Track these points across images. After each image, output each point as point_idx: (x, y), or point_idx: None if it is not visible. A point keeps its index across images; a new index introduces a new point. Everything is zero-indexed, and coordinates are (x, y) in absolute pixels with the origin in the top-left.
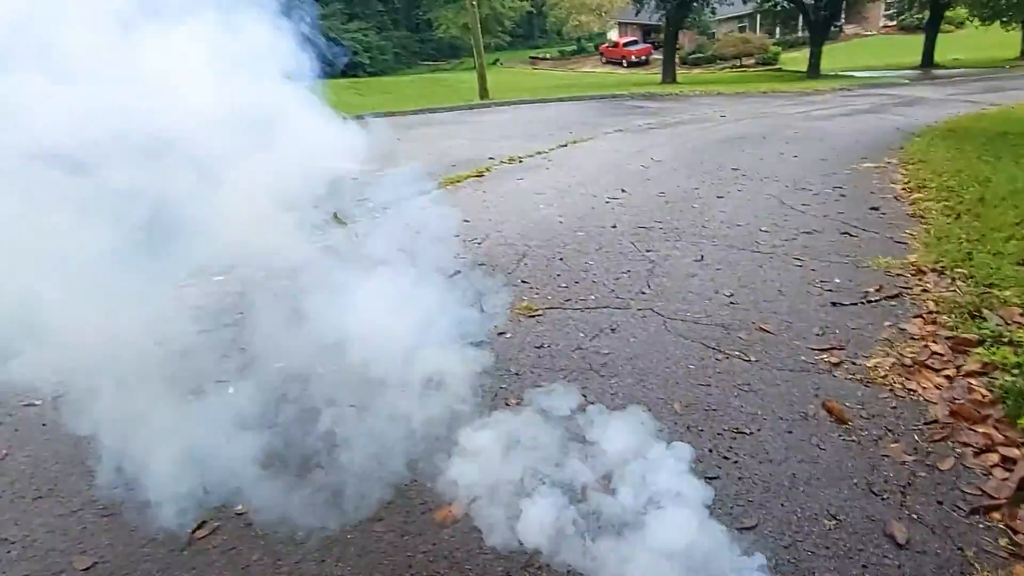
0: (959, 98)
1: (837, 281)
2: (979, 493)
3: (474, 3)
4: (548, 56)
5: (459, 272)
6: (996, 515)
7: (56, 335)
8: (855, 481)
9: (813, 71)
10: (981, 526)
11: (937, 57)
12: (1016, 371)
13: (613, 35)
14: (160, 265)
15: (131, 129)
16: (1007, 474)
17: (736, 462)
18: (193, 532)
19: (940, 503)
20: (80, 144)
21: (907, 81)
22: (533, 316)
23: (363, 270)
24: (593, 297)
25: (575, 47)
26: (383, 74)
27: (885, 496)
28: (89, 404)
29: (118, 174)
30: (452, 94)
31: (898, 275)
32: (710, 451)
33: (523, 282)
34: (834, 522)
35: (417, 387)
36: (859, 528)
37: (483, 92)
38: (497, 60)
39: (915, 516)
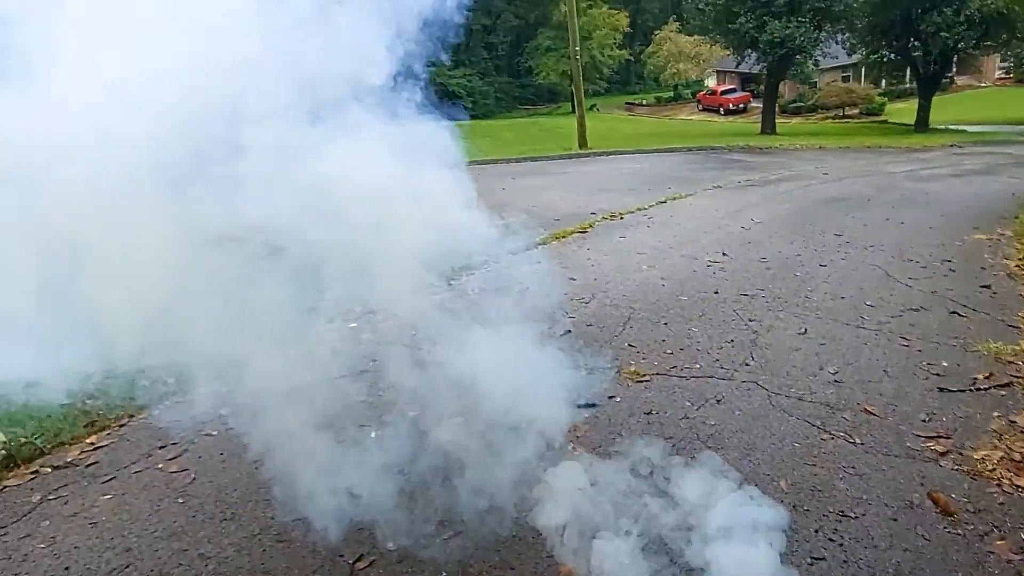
0: None
1: (945, 365)
2: None
3: (578, 57)
4: (644, 102)
5: (569, 331)
6: None
7: (226, 371)
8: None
9: (921, 125)
10: None
11: None
12: None
13: (711, 82)
14: (312, 309)
15: (311, 201)
16: None
17: (842, 545)
18: (354, 564)
19: None
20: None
21: None
22: (640, 381)
23: (480, 326)
24: (698, 365)
25: (672, 94)
26: (484, 117)
27: None
28: (256, 439)
29: (295, 236)
30: (551, 140)
31: (1009, 362)
32: (816, 532)
33: (630, 346)
34: None
35: (529, 441)
36: None
37: (582, 141)
38: (594, 106)
39: None
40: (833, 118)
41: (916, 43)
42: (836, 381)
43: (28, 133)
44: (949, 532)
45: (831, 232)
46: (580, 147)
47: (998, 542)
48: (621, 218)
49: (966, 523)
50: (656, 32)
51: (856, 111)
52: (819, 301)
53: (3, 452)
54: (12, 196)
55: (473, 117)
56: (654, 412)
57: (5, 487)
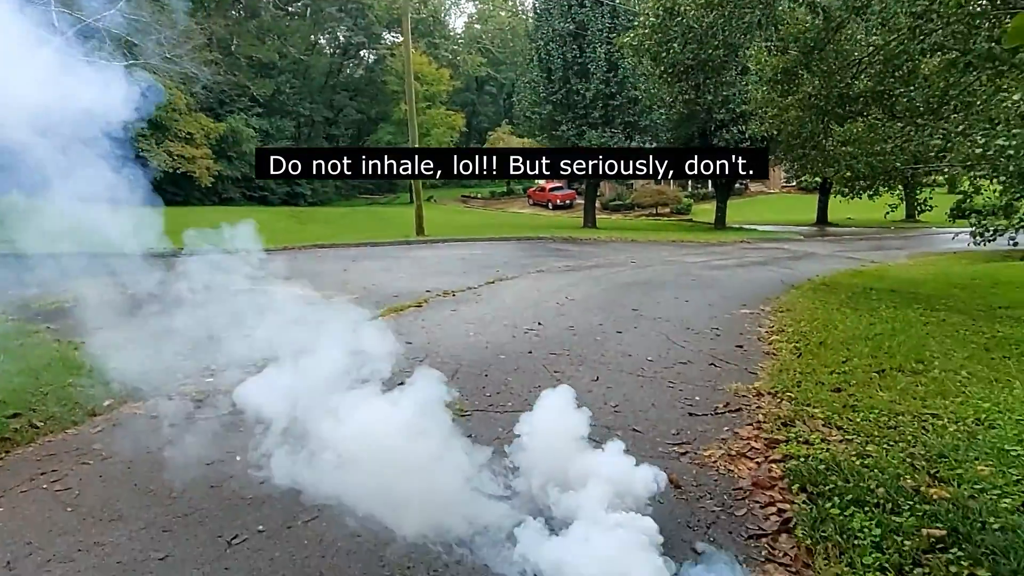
0: (845, 254)
1: (697, 399)
2: (757, 529)
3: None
4: (480, 196)
5: (402, 383)
6: (765, 540)
7: None
8: (678, 521)
9: (719, 224)
10: (754, 547)
11: (832, 216)
12: (803, 459)
13: (541, 180)
14: None
15: None
16: (778, 518)
17: None
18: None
19: (730, 533)
20: None
21: (801, 237)
22: (464, 415)
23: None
24: (510, 404)
25: (505, 189)
26: (323, 205)
27: (696, 529)
28: None
29: None
30: (390, 228)
31: (743, 396)
32: None
33: (458, 391)
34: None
35: None
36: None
37: (419, 229)
38: (431, 197)
39: (713, 540)
40: (647, 215)
41: None
42: (615, 411)
43: None
44: (676, 496)
45: (630, 308)
46: (418, 235)
47: (707, 501)
48: (453, 295)
49: (688, 491)
50: (490, 132)
51: (667, 210)
52: (611, 358)
53: None
54: None
55: (311, 204)
56: (472, 436)
57: None
